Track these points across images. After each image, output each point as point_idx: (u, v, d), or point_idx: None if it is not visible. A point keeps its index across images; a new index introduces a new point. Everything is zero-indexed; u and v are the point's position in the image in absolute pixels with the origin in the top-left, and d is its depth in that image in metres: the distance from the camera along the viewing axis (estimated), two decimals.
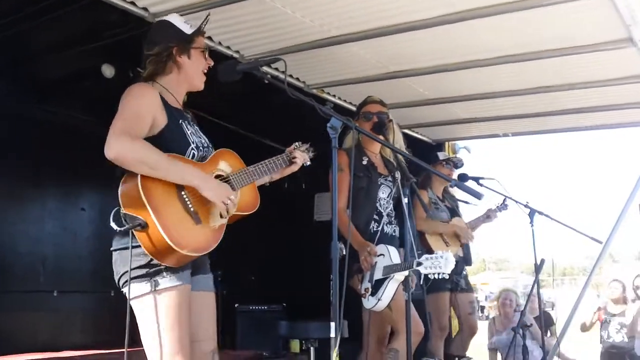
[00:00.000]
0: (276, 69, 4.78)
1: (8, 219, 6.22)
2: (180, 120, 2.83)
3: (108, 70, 5.72)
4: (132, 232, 2.53)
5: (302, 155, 3.23)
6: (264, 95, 5.86)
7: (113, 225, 2.54)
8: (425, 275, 3.54)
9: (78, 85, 6.20)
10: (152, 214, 2.48)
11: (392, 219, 4.27)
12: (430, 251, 5.24)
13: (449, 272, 3.48)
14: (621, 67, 4.82)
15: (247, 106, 6.76)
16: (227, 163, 2.91)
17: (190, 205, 2.64)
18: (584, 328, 7.93)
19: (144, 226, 2.49)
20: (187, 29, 2.88)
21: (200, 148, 2.86)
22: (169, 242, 2.48)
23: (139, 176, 2.52)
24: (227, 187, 2.78)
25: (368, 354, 4.24)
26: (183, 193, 2.63)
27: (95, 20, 4.91)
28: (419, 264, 3.43)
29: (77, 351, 5.97)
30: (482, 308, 33.08)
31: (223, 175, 2.86)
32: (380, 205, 4.21)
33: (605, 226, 6.80)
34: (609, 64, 4.74)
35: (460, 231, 5.58)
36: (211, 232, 2.71)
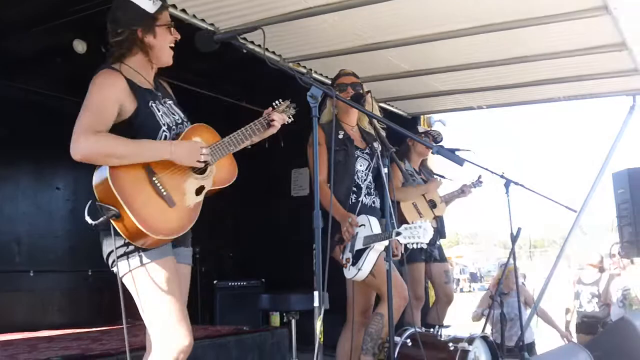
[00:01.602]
0: (252, 42, 4.74)
1: None
2: (151, 102, 2.80)
3: (80, 46, 5.64)
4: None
5: (280, 117, 3.16)
6: (241, 69, 5.82)
7: (88, 219, 2.55)
8: (405, 246, 3.56)
9: (50, 61, 6.09)
10: (123, 204, 2.51)
11: (372, 190, 4.27)
12: (403, 221, 5.31)
13: (427, 242, 3.50)
14: (596, 36, 4.84)
15: (225, 77, 6.71)
16: (201, 138, 2.88)
17: (162, 189, 2.65)
18: (568, 312, 8.04)
19: (118, 216, 2.52)
20: (150, 7, 2.81)
21: (173, 127, 2.84)
22: (144, 230, 2.52)
23: (107, 168, 2.53)
24: (193, 144, 2.77)
25: (352, 325, 4.26)
26: (154, 178, 2.65)
27: None
28: (398, 233, 3.45)
29: (55, 330, 5.95)
30: (457, 281, 33.65)
31: None
32: (358, 178, 4.21)
33: (578, 197, 6.93)
34: (584, 32, 4.76)
35: (433, 188, 5.64)
36: (186, 212, 2.73)
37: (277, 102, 3.23)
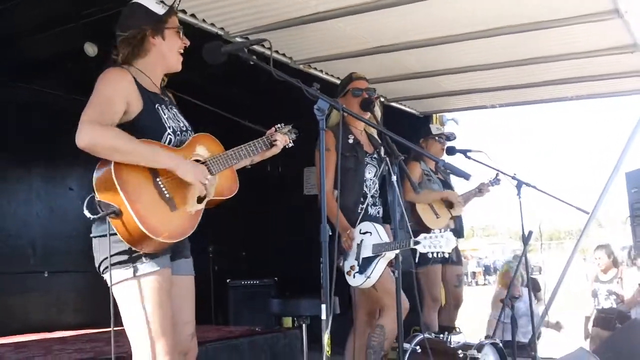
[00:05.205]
0: (262, 45, 4.72)
1: None
2: (157, 105, 2.79)
3: (91, 49, 5.65)
4: (109, 219, 2.51)
5: (282, 138, 3.19)
6: (250, 74, 5.82)
7: (86, 212, 2.52)
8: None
9: (61, 64, 6.13)
10: (125, 201, 2.46)
11: (376, 199, 4.24)
12: (419, 222, 5.31)
13: (449, 251, 3.45)
14: (607, 38, 4.81)
15: (231, 84, 6.72)
16: (204, 147, 2.88)
17: (165, 192, 2.62)
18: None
19: (118, 214, 2.47)
20: (160, 10, 2.83)
21: (178, 133, 2.82)
22: (144, 229, 2.47)
23: (112, 163, 2.50)
24: (203, 167, 2.76)
25: (357, 329, 4.25)
26: (158, 180, 2.61)
27: None
28: (416, 242, 3.37)
29: (70, 331, 6.01)
30: (473, 274, 33.52)
31: (200, 160, 2.83)
32: (366, 186, 4.17)
33: (591, 194, 6.89)
34: (595, 35, 4.74)
35: (452, 197, 5.61)
36: (187, 217, 2.69)
37: (279, 125, 3.25)
